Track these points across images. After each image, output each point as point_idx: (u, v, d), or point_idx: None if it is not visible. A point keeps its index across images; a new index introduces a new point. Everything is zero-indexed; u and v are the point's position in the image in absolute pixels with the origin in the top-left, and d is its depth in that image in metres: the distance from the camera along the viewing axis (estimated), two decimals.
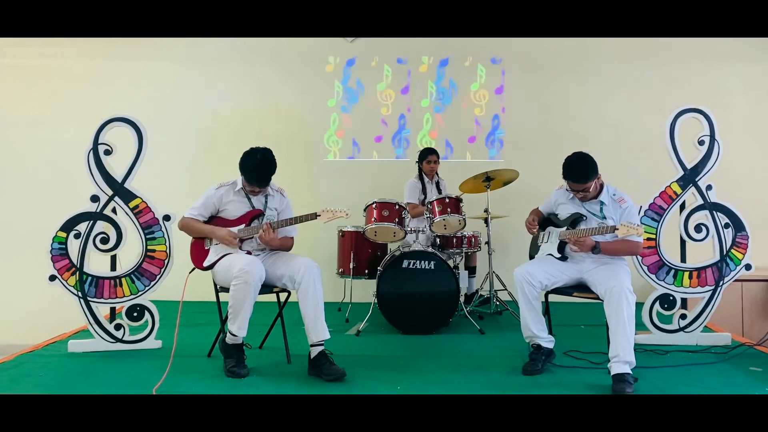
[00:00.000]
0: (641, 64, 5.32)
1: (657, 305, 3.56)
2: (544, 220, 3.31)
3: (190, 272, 3.16)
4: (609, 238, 3.00)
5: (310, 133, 5.46)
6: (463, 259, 4.65)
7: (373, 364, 3.22)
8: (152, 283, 3.50)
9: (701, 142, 3.58)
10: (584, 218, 3.08)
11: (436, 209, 4.01)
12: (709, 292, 3.56)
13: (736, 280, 3.63)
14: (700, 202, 3.58)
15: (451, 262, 4.23)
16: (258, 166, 3.05)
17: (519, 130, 5.40)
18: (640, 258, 3.54)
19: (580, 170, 2.99)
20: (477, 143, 5.45)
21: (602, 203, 3.05)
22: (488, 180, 4.31)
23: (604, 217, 3.03)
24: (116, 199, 3.47)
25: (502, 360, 3.25)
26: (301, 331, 3.01)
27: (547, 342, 3.07)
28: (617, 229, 2.83)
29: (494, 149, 5.44)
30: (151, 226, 3.50)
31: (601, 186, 3.07)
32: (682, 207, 3.61)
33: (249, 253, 3.11)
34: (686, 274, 3.56)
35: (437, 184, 4.76)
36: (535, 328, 3.03)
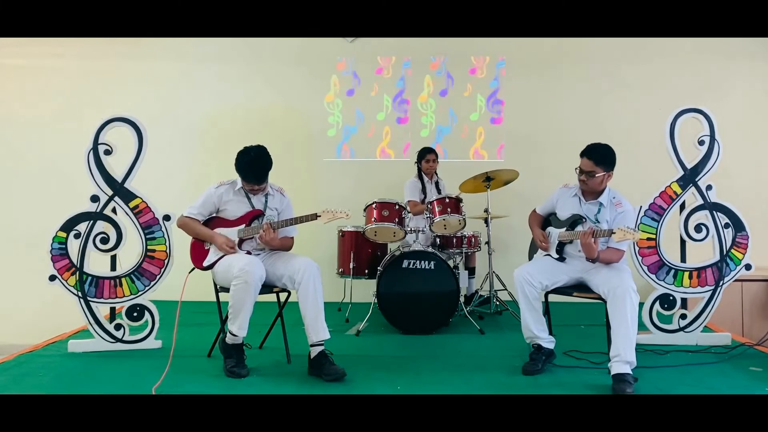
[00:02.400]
0: (641, 63, 5.31)
1: (657, 305, 3.56)
2: (544, 222, 3.32)
3: (189, 272, 3.16)
4: (601, 243, 2.99)
5: (310, 133, 5.46)
6: (463, 259, 4.65)
7: (373, 364, 3.22)
8: (152, 283, 3.50)
9: (701, 142, 3.58)
10: (583, 220, 3.07)
11: (436, 209, 4.01)
12: (709, 292, 3.56)
13: (736, 280, 3.63)
14: (700, 202, 3.58)
15: (451, 262, 4.23)
16: (253, 163, 3.05)
17: (519, 130, 5.40)
18: (640, 258, 3.54)
19: (595, 150, 3.01)
20: (477, 143, 5.45)
21: (601, 204, 3.05)
22: (488, 180, 4.31)
23: (598, 221, 3.03)
24: (116, 199, 3.47)
25: (502, 360, 3.25)
26: (301, 331, 3.01)
27: (548, 342, 3.07)
28: (614, 233, 2.82)
29: (494, 149, 5.44)
30: (151, 226, 3.50)
31: (605, 187, 3.08)
32: (682, 207, 3.61)
33: (249, 253, 3.11)
34: (686, 274, 3.56)
35: (437, 184, 4.76)
36: (535, 329, 3.03)
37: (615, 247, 2.96)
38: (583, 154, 3.05)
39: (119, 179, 3.48)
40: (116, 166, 3.50)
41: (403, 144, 5.45)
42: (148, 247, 3.49)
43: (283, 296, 3.27)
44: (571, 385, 2.83)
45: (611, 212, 3.04)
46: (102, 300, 3.45)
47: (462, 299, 4.18)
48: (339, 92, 5.47)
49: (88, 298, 3.43)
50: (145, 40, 5.13)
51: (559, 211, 3.21)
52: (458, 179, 4.43)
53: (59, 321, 3.90)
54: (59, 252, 3.40)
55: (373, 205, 4.01)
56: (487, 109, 5.44)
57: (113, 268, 3.51)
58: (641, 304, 3.25)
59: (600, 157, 3.00)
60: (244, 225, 3.13)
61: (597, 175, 2.99)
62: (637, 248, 3.52)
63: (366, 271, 4.35)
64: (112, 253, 3.49)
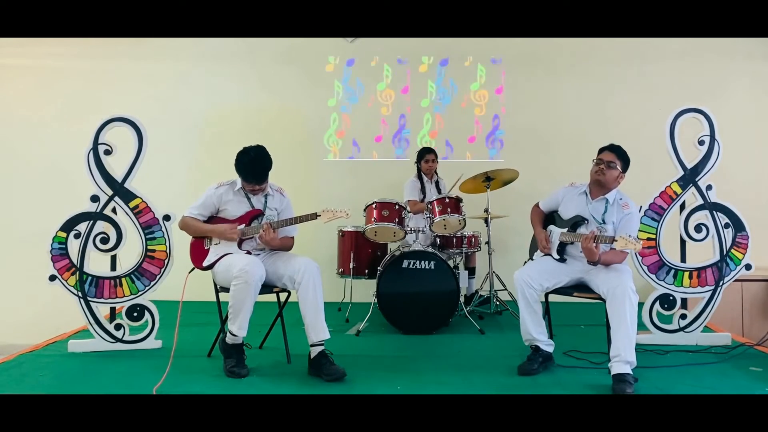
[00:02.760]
0: (641, 63, 5.32)
1: (657, 305, 3.56)
2: (545, 218, 3.31)
3: (189, 272, 3.16)
4: (603, 247, 2.99)
5: (310, 133, 5.46)
6: (463, 259, 4.65)
7: (373, 364, 3.22)
8: (152, 283, 3.49)
9: (701, 142, 3.58)
10: (585, 221, 3.07)
11: (436, 209, 4.01)
12: (709, 292, 3.56)
13: (736, 280, 3.63)
14: (700, 202, 3.58)
15: (451, 262, 4.23)
16: (252, 163, 3.05)
17: (519, 130, 5.40)
18: (640, 258, 3.54)
19: (619, 149, 3.10)
20: (477, 143, 5.45)
21: (607, 201, 3.06)
22: (488, 180, 4.31)
23: (603, 222, 3.03)
24: (116, 199, 3.47)
25: (502, 360, 3.25)
26: (301, 331, 3.01)
27: (546, 345, 3.06)
28: (615, 240, 2.82)
29: (494, 149, 5.44)
30: (151, 226, 3.50)
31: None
32: (682, 207, 3.61)
33: (249, 253, 3.11)
34: (686, 274, 3.56)
35: (437, 184, 4.76)
36: (534, 332, 3.03)
37: (620, 251, 2.95)
38: (604, 148, 3.11)
39: (119, 179, 3.48)
40: (116, 166, 3.50)
41: (403, 144, 5.45)
42: (148, 247, 3.49)
43: (283, 296, 3.27)
44: (571, 385, 2.83)
45: (618, 213, 3.04)
46: (102, 300, 3.45)
47: (462, 299, 4.18)
48: (339, 92, 5.47)
49: (88, 298, 3.43)
50: (144, 40, 5.13)
51: (563, 209, 3.20)
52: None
53: (59, 321, 3.90)
54: (59, 252, 3.39)
55: (373, 205, 4.01)
56: (487, 109, 5.44)
57: (113, 268, 3.51)
58: (641, 304, 3.26)
59: (621, 154, 3.09)
60: (243, 225, 3.13)
61: (615, 167, 3.04)
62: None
63: (366, 271, 4.35)
64: (112, 253, 3.49)
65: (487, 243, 4.44)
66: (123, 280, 3.47)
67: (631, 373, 2.71)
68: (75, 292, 3.41)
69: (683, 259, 3.61)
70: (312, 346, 2.96)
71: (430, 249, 3.97)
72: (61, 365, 3.19)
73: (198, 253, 3.16)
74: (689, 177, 3.58)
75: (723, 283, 3.55)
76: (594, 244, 2.84)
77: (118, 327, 3.49)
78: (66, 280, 3.40)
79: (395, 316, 3.90)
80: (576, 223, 3.09)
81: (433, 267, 3.88)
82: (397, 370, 3.08)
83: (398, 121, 5.47)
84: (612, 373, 2.72)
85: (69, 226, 3.41)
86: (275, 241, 3.10)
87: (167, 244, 3.51)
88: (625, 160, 3.09)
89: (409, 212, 4.11)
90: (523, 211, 3.50)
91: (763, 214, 4.35)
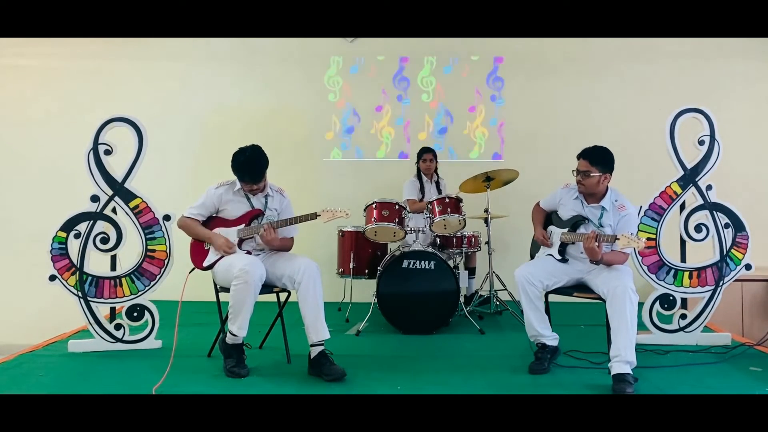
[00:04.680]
0: (641, 63, 5.31)
1: (657, 305, 3.56)
2: (546, 218, 3.31)
3: (189, 272, 3.16)
4: (605, 247, 2.98)
5: (310, 133, 5.46)
6: (463, 259, 4.65)
7: (373, 364, 3.22)
8: (152, 283, 3.49)
9: (701, 142, 3.58)
10: (585, 221, 3.07)
11: (436, 209, 4.01)
12: (709, 292, 3.56)
13: (736, 280, 3.63)
14: (700, 202, 3.58)
15: (451, 262, 4.23)
16: (248, 163, 3.05)
17: (519, 130, 5.40)
18: (640, 258, 3.54)
19: (591, 151, 3.03)
20: (477, 143, 5.45)
21: (603, 209, 3.05)
22: (488, 180, 4.31)
23: (601, 226, 3.03)
24: (116, 199, 3.47)
25: (502, 360, 3.25)
26: (301, 331, 3.01)
27: (552, 340, 3.07)
28: (618, 239, 2.81)
29: (494, 149, 5.44)
30: (151, 226, 3.50)
31: (606, 189, 3.07)
32: (682, 207, 3.60)
33: (249, 253, 3.11)
34: (686, 274, 3.56)
35: (437, 184, 4.76)
36: (539, 327, 3.04)
37: (620, 250, 2.95)
38: (579, 155, 3.07)
39: (119, 179, 3.48)
40: (116, 166, 3.50)
41: (403, 144, 5.45)
42: (148, 247, 3.49)
43: (283, 296, 3.27)
44: (571, 385, 2.83)
45: (614, 216, 3.03)
46: (102, 300, 3.45)
47: (462, 299, 4.18)
48: (339, 92, 5.47)
49: (88, 298, 3.43)
50: (144, 40, 5.13)
51: (561, 210, 3.20)
52: (458, 179, 4.42)
53: (59, 321, 3.90)
54: (59, 252, 3.39)
55: (373, 205, 4.01)
56: (487, 108, 5.44)
57: (113, 268, 3.51)
58: (641, 304, 3.26)
59: (595, 158, 3.01)
60: (243, 225, 3.13)
61: (593, 175, 3.00)
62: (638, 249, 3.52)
63: (366, 271, 4.35)
64: (112, 253, 3.49)
65: (487, 243, 4.44)
66: (123, 280, 3.47)
67: (631, 373, 2.70)
68: (75, 292, 3.41)
69: (683, 259, 3.61)
70: (312, 346, 2.96)
71: (430, 249, 3.97)
72: (61, 365, 3.19)
73: (198, 253, 3.16)
74: (689, 177, 3.58)
75: (723, 283, 3.55)
76: (596, 244, 2.84)
77: (118, 327, 3.49)
78: (66, 280, 3.40)
79: (395, 316, 3.90)
80: (576, 223, 3.09)
81: (433, 267, 3.88)
82: (397, 370, 3.08)
83: (398, 120, 5.47)
84: (612, 373, 2.72)
85: (69, 226, 3.41)
86: (276, 241, 3.10)
87: (167, 244, 3.51)
88: (602, 162, 3.01)
89: (409, 212, 4.11)
90: (523, 211, 3.50)
91: (763, 214, 4.35)
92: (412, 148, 5.32)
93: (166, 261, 3.50)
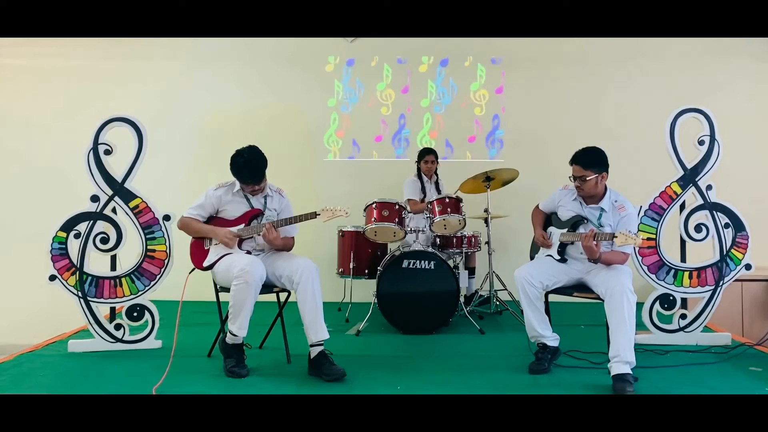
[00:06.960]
0: (641, 63, 5.32)
1: (657, 305, 3.56)
2: (545, 220, 3.31)
3: (190, 272, 3.16)
4: (605, 245, 2.98)
5: (310, 133, 5.46)
6: (463, 259, 4.65)
7: (373, 364, 3.22)
8: (152, 283, 3.50)
9: (701, 142, 3.58)
10: (585, 221, 3.07)
11: (436, 209, 4.01)
12: (709, 292, 3.56)
13: (736, 280, 3.63)
14: (700, 202, 3.58)
15: (451, 262, 4.23)
16: (247, 164, 3.05)
17: (519, 130, 5.40)
18: (640, 258, 3.54)
19: (582, 155, 3.01)
20: (477, 143, 5.45)
21: (602, 210, 3.04)
22: (488, 180, 4.31)
23: (601, 226, 3.03)
24: (116, 199, 3.47)
25: (502, 360, 3.25)
26: (301, 331, 3.01)
27: (552, 340, 3.07)
28: (615, 237, 2.82)
29: (494, 149, 5.45)
30: (151, 226, 3.50)
31: (605, 189, 3.07)
32: (682, 207, 3.61)
33: (249, 252, 3.11)
34: (686, 274, 3.56)
35: (437, 184, 4.76)
36: (539, 327, 3.04)
37: (619, 249, 2.95)
38: (571, 161, 3.06)
39: (119, 179, 3.48)
40: (116, 166, 3.50)
41: (403, 144, 5.45)
42: (148, 247, 3.49)
43: (283, 296, 3.27)
44: (571, 385, 2.83)
45: (614, 216, 3.03)
46: (102, 300, 3.45)
47: (462, 299, 4.18)
48: (339, 92, 5.47)
49: (88, 298, 3.43)
50: (144, 40, 5.13)
51: (561, 212, 3.20)
52: (458, 179, 4.42)
53: (59, 321, 3.90)
54: (59, 252, 3.40)
55: (373, 205, 4.01)
56: (487, 109, 5.44)
57: (113, 268, 3.51)
58: (641, 304, 3.26)
59: (587, 160, 3.00)
60: (243, 225, 3.13)
61: (589, 179, 2.99)
62: (637, 248, 3.52)
63: (366, 271, 4.35)
64: (112, 253, 3.49)
65: (487, 243, 4.44)
66: (123, 280, 3.47)
67: (630, 373, 2.70)
68: (75, 292, 3.41)
69: (683, 259, 3.61)
70: (312, 346, 2.96)
71: (430, 249, 3.97)
72: (61, 365, 3.19)
73: (198, 254, 3.16)
74: (689, 177, 3.58)
75: (723, 283, 3.55)
76: (594, 242, 2.84)
77: (118, 327, 3.49)
78: (66, 280, 3.40)
79: (395, 316, 3.90)
80: (576, 222, 3.09)
81: (433, 267, 3.88)
82: (397, 370, 3.08)
83: (398, 121, 5.47)
84: (612, 373, 2.72)
85: (69, 226, 3.41)
86: (278, 241, 3.10)
87: (167, 244, 3.51)
88: (595, 163, 3.00)
89: (409, 212, 4.11)
90: (523, 211, 3.50)
91: (763, 214, 4.35)
92: (412, 149, 5.32)
93: (166, 261, 3.50)
